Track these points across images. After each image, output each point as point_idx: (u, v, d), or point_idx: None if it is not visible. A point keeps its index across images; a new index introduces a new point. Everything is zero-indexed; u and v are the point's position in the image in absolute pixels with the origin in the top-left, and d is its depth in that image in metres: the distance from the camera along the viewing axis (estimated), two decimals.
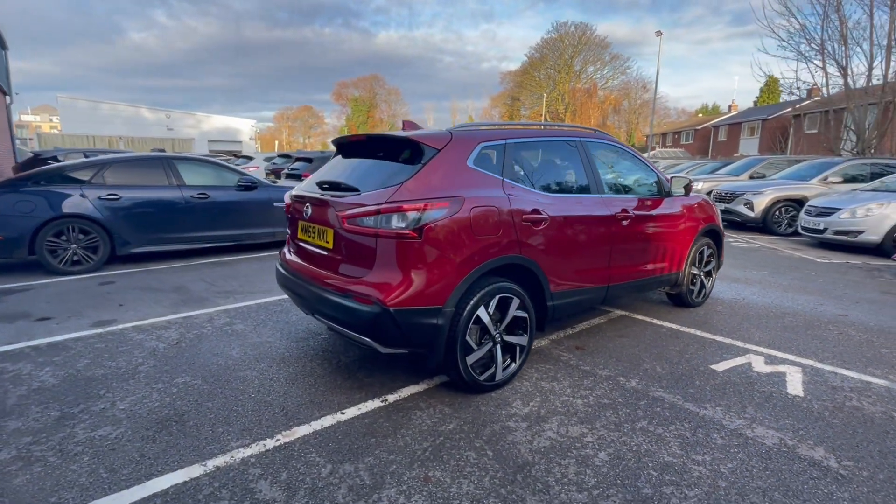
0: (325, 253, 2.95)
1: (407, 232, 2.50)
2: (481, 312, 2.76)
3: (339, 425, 2.56)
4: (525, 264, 2.96)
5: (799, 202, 9.88)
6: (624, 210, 3.63)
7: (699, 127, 46.91)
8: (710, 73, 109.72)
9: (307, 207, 3.05)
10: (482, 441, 2.45)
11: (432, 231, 2.53)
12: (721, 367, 3.41)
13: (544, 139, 3.42)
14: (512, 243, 2.86)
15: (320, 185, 3.12)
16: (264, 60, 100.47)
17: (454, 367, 2.78)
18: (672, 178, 4.23)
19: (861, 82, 16.84)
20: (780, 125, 36.46)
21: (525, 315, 2.99)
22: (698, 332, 4.09)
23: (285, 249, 3.52)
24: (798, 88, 20.79)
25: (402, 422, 2.61)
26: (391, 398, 2.87)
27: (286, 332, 4.01)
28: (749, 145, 39.05)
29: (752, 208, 10.17)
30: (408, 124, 3.60)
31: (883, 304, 5.05)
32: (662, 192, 4.14)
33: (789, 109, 35.62)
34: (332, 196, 2.90)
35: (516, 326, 3.00)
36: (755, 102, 52.35)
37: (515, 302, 2.92)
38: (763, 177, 12.41)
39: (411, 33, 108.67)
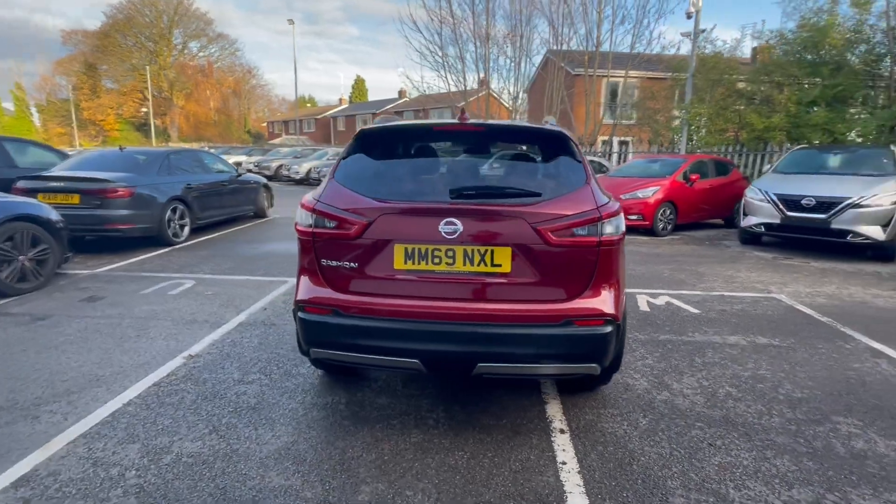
0: (492, 280, 2.27)
1: (617, 238, 2.33)
2: None
3: None
4: None
5: None
6: None
7: (319, 117, 50.91)
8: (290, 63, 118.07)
9: (447, 224, 2.21)
10: None
11: (623, 237, 2.44)
12: None
13: None
14: None
15: (459, 192, 2.32)
16: None
17: (609, 376, 2.80)
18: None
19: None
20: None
21: None
22: None
23: (357, 288, 2.37)
24: (416, 89, 25.72)
25: None
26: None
27: None
28: None
29: None
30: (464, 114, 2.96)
31: None
32: None
33: (391, 106, 43.66)
34: (508, 205, 2.27)
35: None
36: (350, 98, 60.44)
37: None
38: None
39: None
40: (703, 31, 12.74)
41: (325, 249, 2.39)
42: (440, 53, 21.66)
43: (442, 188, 2.39)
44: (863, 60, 10.47)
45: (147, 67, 46.71)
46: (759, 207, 7.19)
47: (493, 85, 25.10)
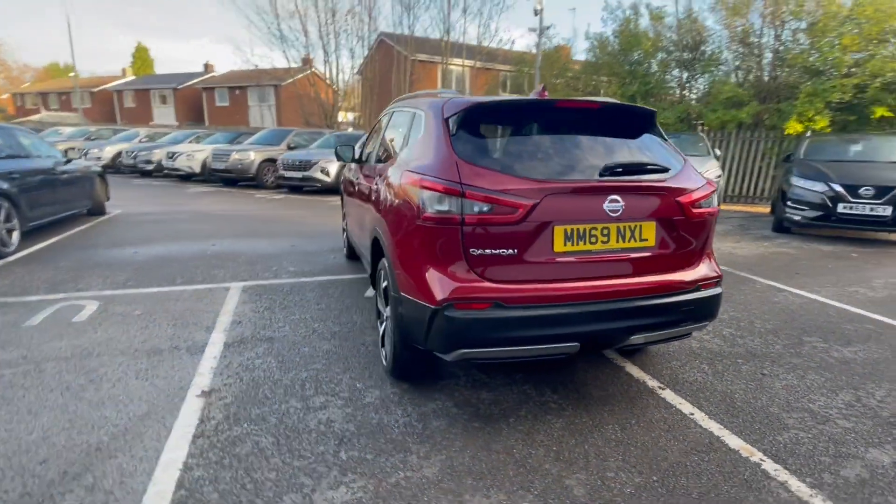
0: (637, 255, 2.30)
1: (717, 209, 2.58)
2: None
3: None
4: None
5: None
6: None
7: (96, 90, 41.30)
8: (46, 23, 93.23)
9: (611, 202, 2.16)
10: None
11: None
12: None
13: None
14: None
15: (610, 169, 2.28)
16: None
17: None
18: None
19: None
20: (192, 96, 38.19)
21: None
22: None
23: (516, 276, 2.19)
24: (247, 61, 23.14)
25: None
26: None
27: None
28: (164, 114, 38.74)
29: (328, 174, 11.77)
30: (539, 92, 2.77)
31: None
32: None
33: (197, 80, 37.85)
34: (641, 181, 2.29)
35: None
36: (133, 69, 50.34)
37: None
38: (297, 146, 14.07)
39: None
40: (548, 27, 14.34)
41: (476, 237, 2.12)
42: (275, 24, 19.68)
43: (585, 166, 2.32)
44: (660, 65, 13.16)
45: None
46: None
47: (321, 66, 23.95)
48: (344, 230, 5.58)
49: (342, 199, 5.36)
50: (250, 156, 12.87)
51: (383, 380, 2.81)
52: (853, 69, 10.31)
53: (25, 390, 2.61)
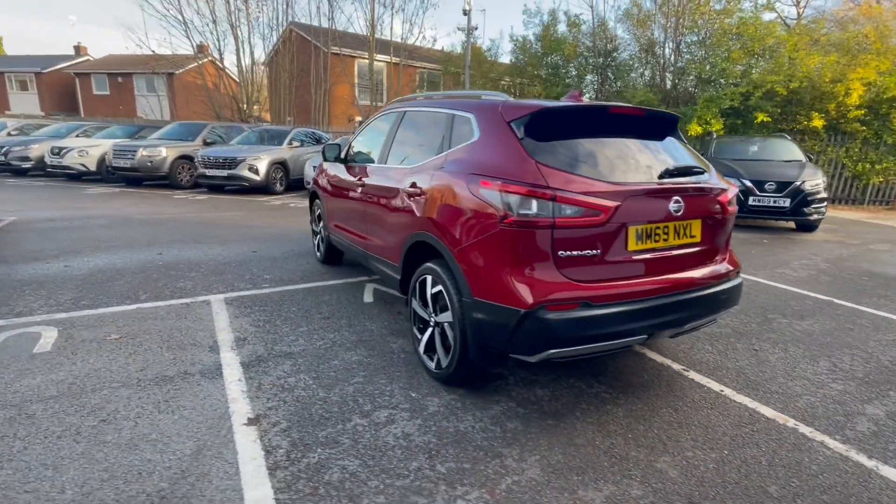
0: (688, 250, 2.50)
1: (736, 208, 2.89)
2: None
3: None
4: None
5: (283, 163, 11.70)
6: None
7: None
8: None
9: (675, 203, 2.37)
10: None
11: None
12: None
13: None
14: None
15: (669, 172, 2.49)
16: None
17: None
18: None
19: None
20: (61, 82, 33.16)
21: None
22: None
23: (599, 276, 2.30)
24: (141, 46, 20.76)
25: None
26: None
27: None
28: (24, 101, 33.26)
29: (257, 172, 10.98)
30: (574, 96, 2.80)
31: None
32: None
33: (67, 65, 32.92)
34: (698, 182, 2.50)
35: None
36: None
37: None
38: (214, 142, 12.92)
39: None
40: (476, 28, 14.64)
41: (565, 239, 2.17)
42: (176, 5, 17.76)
43: (643, 168, 2.47)
44: (579, 69, 14.12)
45: None
46: None
47: (223, 55, 22.26)
48: (316, 233, 5.29)
49: (317, 202, 5.08)
50: (162, 152, 11.56)
51: (434, 387, 2.76)
52: (740, 79, 11.91)
53: (23, 441, 2.17)
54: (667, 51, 13.52)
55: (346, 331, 3.49)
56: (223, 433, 2.27)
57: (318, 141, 13.56)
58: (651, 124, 2.73)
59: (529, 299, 2.16)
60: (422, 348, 2.89)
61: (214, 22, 19.75)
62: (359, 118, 23.27)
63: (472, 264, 2.38)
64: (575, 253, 2.21)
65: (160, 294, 4.10)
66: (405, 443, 2.25)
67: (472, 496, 1.93)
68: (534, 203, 2.15)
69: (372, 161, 3.81)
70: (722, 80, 12.24)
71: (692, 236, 2.56)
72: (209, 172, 11.01)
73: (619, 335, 2.29)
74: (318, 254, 5.25)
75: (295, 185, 12.05)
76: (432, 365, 2.79)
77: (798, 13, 15.15)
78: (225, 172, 10.89)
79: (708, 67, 12.15)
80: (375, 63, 25.53)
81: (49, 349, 3.04)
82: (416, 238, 2.85)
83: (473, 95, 3.06)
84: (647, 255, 2.40)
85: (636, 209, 2.32)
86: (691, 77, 12.91)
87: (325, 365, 2.97)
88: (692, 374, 3.02)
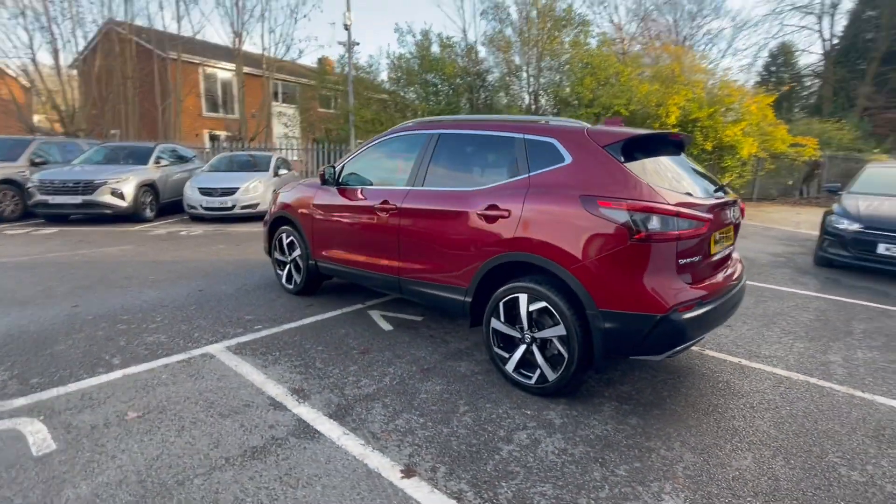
0: (728, 251, 3.04)
1: None
2: None
3: None
4: None
5: (152, 185, 10.03)
6: None
7: None
8: None
9: (729, 212, 2.89)
10: None
11: None
12: None
13: None
14: None
15: (719, 188, 3.08)
16: None
17: None
18: None
19: None
20: None
21: None
22: None
23: (699, 277, 2.69)
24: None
25: None
26: None
27: None
28: None
29: (122, 197, 9.22)
30: (615, 122, 3.06)
31: None
32: None
33: None
34: (728, 194, 3.05)
35: None
36: None
37: None
38: (45, 161, 10.39)
39: None
40: (357, 43, 14.41)
41: (684, 249, 2.49)
42: None
43: (699, 185, 2.93)
44: (457, 89, 15.01)
45: None
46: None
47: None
48: (284, 263, 4.77)
49: (285, 228, 4.63)
50: None
51: (538, 402, 2.83)
52: (594, 101, 14.04)
53: None
54: (528, 75, 15.29)
55: (400, 363, 3.31)
56: (390, 492, 2.05)
57: (181, 158, 11.87)
58: (680, 145, 3.26)
59: (665, 304, 2.43)
60: (511, 366, 2.94)
61: (24, 16, 15.85)
62: (208, 132, 20.97)
63: (595, 277, 2.55)
64: (688, 260, 2.56)
65: (136, 354, 3.31)
66: (568, 457, 2.32)
67: (667, 489, 2.11)
68: (662, 220, 2.44)
69: (394, 185, 3.68)
70: (575, 102, 14.28)
71: (730, 238, 3.13)
72: (53, 200, 8.87)
73: (712, 326, 2.71)
74: (291, 285, 4.76)
75: (167, 209, 10.44)
76: (531, 381, 2.86)
77: (623, 49, 18.47)
78: (78, 199, 8.90)
79: (568, 90, 14.09)
80: (222, 73, 23.34)
81: (55, 447, 2.30)
82: (505, 259, 2.90)
83: (531, 120, 3.23)
84: (717, 257, 2.87)
85: (717, 219, 2.78)
86: (551, 98, 14.80)
87: (416, 400, 2.82)
88: (745, 363, 3.63)
